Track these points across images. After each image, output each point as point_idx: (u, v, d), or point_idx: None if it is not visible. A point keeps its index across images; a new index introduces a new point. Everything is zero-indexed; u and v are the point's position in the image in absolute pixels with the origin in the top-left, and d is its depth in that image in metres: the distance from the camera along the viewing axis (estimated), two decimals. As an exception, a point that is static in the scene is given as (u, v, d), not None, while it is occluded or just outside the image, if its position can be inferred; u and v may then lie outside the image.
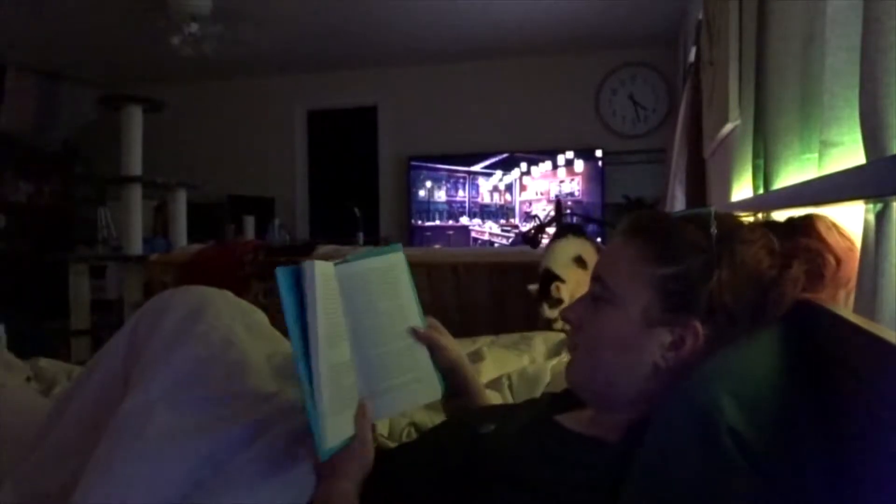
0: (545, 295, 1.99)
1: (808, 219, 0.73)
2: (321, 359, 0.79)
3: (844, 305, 0.69)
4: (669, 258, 0.70)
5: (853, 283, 0.69)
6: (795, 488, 0.54)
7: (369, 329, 0.90)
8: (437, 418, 1.13)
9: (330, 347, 0.81)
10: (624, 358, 0.71)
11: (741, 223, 0.75)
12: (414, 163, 5.35)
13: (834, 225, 0.72)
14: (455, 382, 0.97)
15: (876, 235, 0.56)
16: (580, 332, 0.77)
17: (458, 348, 1.00)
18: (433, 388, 0.94)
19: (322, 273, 0.83)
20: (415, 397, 0.92)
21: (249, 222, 4.93)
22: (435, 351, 0.95)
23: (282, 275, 0.80)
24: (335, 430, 0.79)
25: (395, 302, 0.94)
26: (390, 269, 0.95)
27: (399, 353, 0.92)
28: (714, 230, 0.69)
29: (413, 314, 0.96)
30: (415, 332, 0.94)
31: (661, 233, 0.73)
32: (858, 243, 0.65)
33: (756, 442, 0.54)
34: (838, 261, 0.69)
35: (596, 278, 0.76)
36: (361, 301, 0.90)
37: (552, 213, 4.72)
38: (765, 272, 0.68)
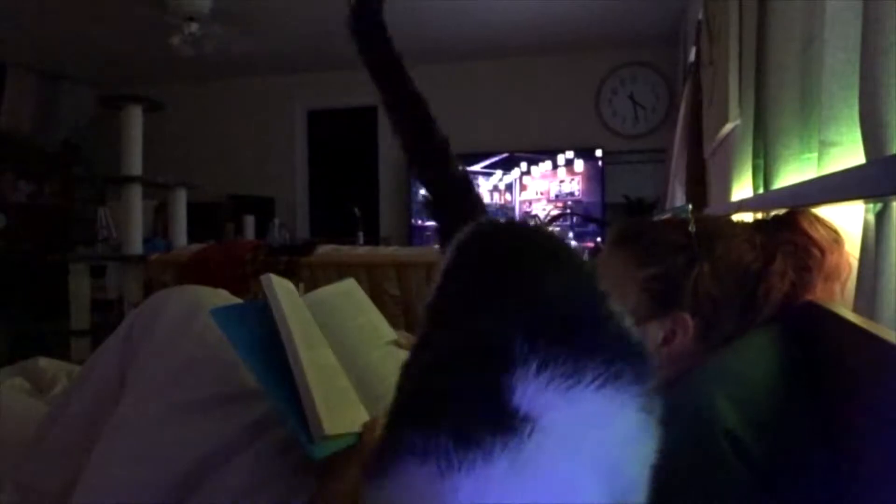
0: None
1: (791, 214, 0.74)
2: (301, 352, 0.80)
3: (841, 299, 0.70)
4: (652, 260, 0.72)
5: (846, 275, 0.69)
6: (793, 490, 0.54)
7: (352, 343, 0.93)
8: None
9: (309, 349, 0.82)
10: None
11: (721, 220, 0.78)
12: (414, 162, 5.34)
13: (816, 218, 0.73)
14: None
15: (876, 235, 0.56)
16: None
17: None
18: None
19: (279, 283, 0.87)
20: None
21: (249, 222, 4.93)
22: None
23: (219, 317, 0.83)
24: (335, 422, 0.79)
25: (366, 317, 1.00)
26: (349, 292, 1.01)
27: (382, 360, 0.94)
28: (692, 228, 0.72)
29: (384, 326, 1.00)
30: (397, 344, 0.97)
31: (642, 238, 0.75)
32: (857, 241, 0.65)
33: (753, 444, 0.54)
34: (822, 252, 0.69)
35: None
36: (336, 321, 0.94)
37: (552, 213, 4.73)
38: (748, 265, 0.70)
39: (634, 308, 0.72)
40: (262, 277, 0.87)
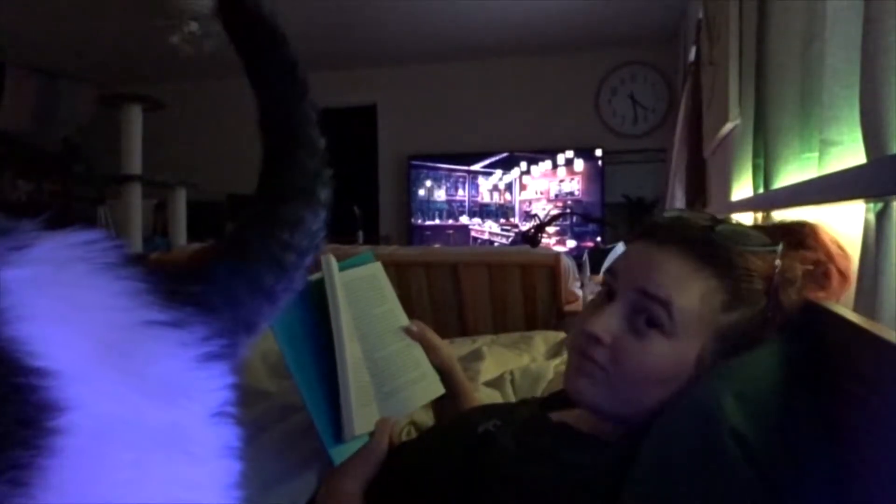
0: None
1: (811, 231, 0.70)
2: (346, 350, 0.81)
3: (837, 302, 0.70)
4: (735, 304, 0.63)
5: (847, 286, 0.69)
6: (797, 490, 0.54)
7: (371, 333, 0.91)
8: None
9: (349, 341, 0.83)
10: (662, 391, 0.65)
11: (798, 256, 0.68)
12: (414, 162, 5.35)
13: (824, 231, 0.71)
14: (447, 383, 0.98)
15: (876, 235, 0.56)
16: (606, 350, 0.66)
17: (450, 349, 1.01)
18: (436, 385, 0.96)
19: (336, 270, 0.86)
20: (422, 394, 0.94)
21: (249, 221, 4.92)
22: (428, 350, 0.96)
23: None
24: (361, 423, 0.80)
25: (386, 307, 0.97)
26: (373, 276, 0.99)
27: (400, 354, 0.94)
28: (778, 262, 0.63)
29: (402, 317, 0.98)
30: (408, 332, 0.95)
31: (732, 268, 0.64)
32: (857, 241, 0.65)
33: (758, 443, 0.54)
34: (844, 277, 0.68)
35: (656, 298, 0.63)
36: (360, 308, 0.92)
37: (552, 212, 4.72)
38: (774, 292, 0.65)
39: (702, 352, 0.63)
40: (323, 259, 0.86)
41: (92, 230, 0.37)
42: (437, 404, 1.02)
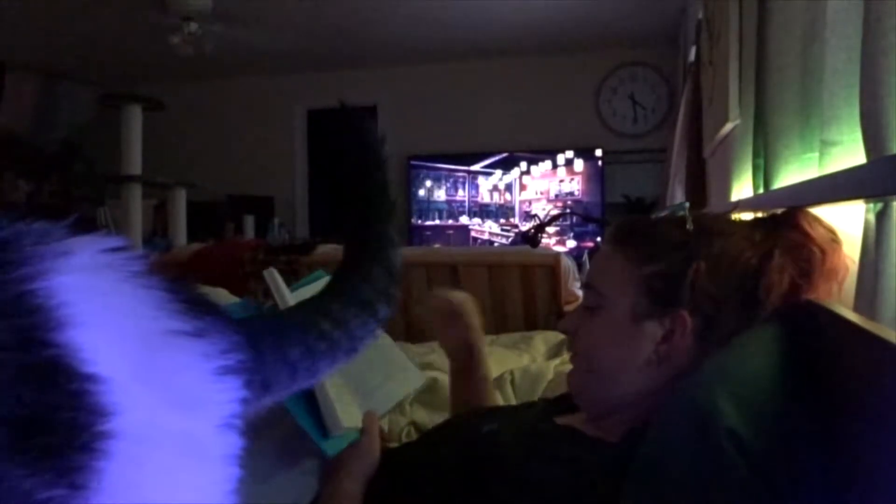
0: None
1: (790, 212, 0.74)
2: None
3: (838, 298, 0.70)
4: (651, 257, 0.73)
5: (843, 275, 0.69)
6: (795, 490, 0.54)
7: None
8: (437, 418, 1.14)
9: None
10: (618, 356, 0.73)
11: (720, 217, 0.78)
12: (414, 162, 5.35)
13: (815, 218, 0.72)
14: (468, 360, 1.05)
15: (876, 235, 0.56)
16: (577, 340, 0.79)
17: (478, 330, 1.08)
18: (415, 377, 0.99)
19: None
20: (399, 389, 0.96)
21: (249, 222, 4.93)
22: (457, 322, 1.04)
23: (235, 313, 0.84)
24: (345, 417, 0.80)
25: None
26: None
27: (367, 357, 0.95)
28: (690, 226, 0.72)
29: None
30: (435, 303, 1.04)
31: (641, 235, 0.76)
32: (857, 241, 0.65)
33: (755, 443, 0.54)
34: (823, 252, 0.69)
35: (587, 287, 0.79)
36: None
37: (552, 212, 4.72)
38: (746, 261, 0.70)
39: (633, 306, 0.72)
40: (265, 272, 0.88)
41: (116, 238, 0.38)
42: (458, 381, 1.08)
